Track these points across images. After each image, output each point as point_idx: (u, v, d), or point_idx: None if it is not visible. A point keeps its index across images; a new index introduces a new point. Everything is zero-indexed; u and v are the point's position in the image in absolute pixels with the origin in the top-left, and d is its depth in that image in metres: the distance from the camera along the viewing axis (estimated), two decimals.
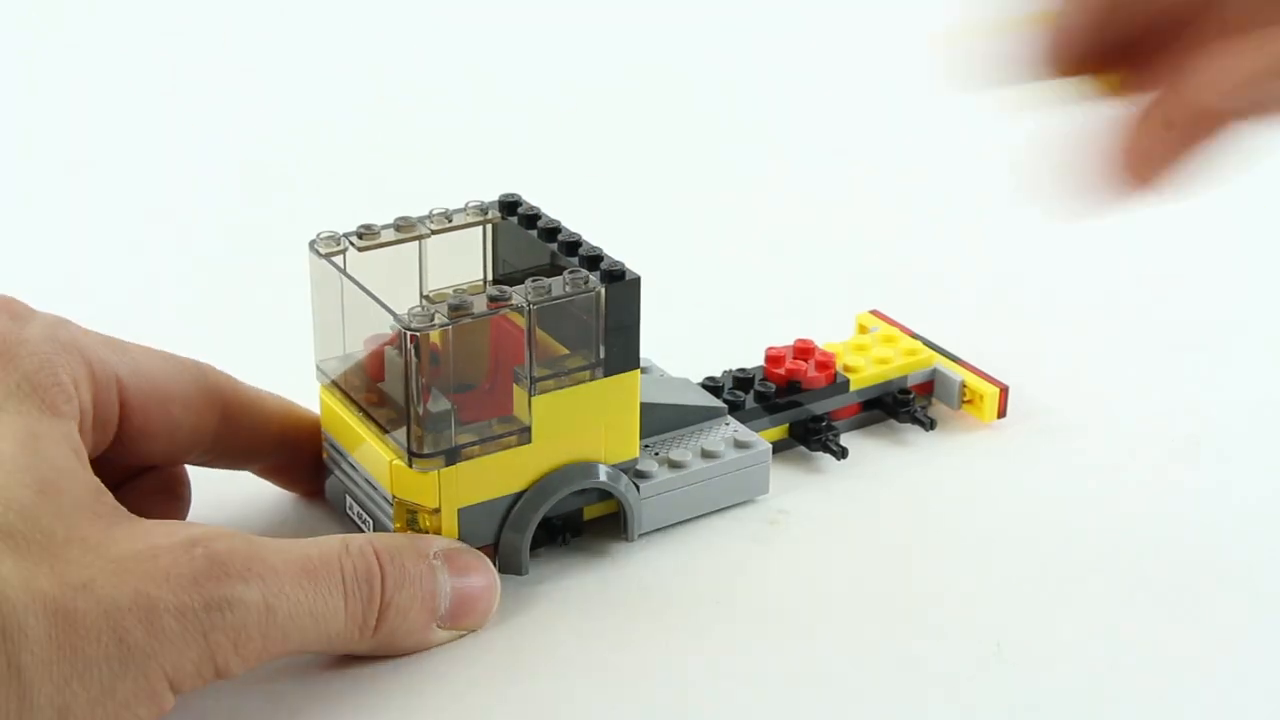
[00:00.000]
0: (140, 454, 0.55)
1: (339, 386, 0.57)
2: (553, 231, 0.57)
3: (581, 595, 0.55)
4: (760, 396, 0.64)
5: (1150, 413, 0.67)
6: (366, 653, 0.52)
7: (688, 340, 0.68)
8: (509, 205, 0.59)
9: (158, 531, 0.47)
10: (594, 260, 0.55)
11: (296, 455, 0.59)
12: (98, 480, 0.49)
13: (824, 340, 0.67)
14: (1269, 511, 0.61)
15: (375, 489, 0.55)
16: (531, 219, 0.58)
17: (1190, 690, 0.52)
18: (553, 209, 0.59)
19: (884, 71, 1.07)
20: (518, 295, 0.53)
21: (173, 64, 1.06)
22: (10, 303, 0.52)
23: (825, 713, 0.51)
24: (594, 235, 0.57)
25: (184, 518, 0.57)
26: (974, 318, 0.75)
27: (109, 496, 0.48)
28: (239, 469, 0.59)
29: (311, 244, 0.57)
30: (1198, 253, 0.83)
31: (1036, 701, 0.51)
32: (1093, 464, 0.64)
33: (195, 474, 0.58)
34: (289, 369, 0.61)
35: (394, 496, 0.54)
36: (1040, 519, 0.60)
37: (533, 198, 0.60)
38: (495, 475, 0.54)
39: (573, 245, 0.56)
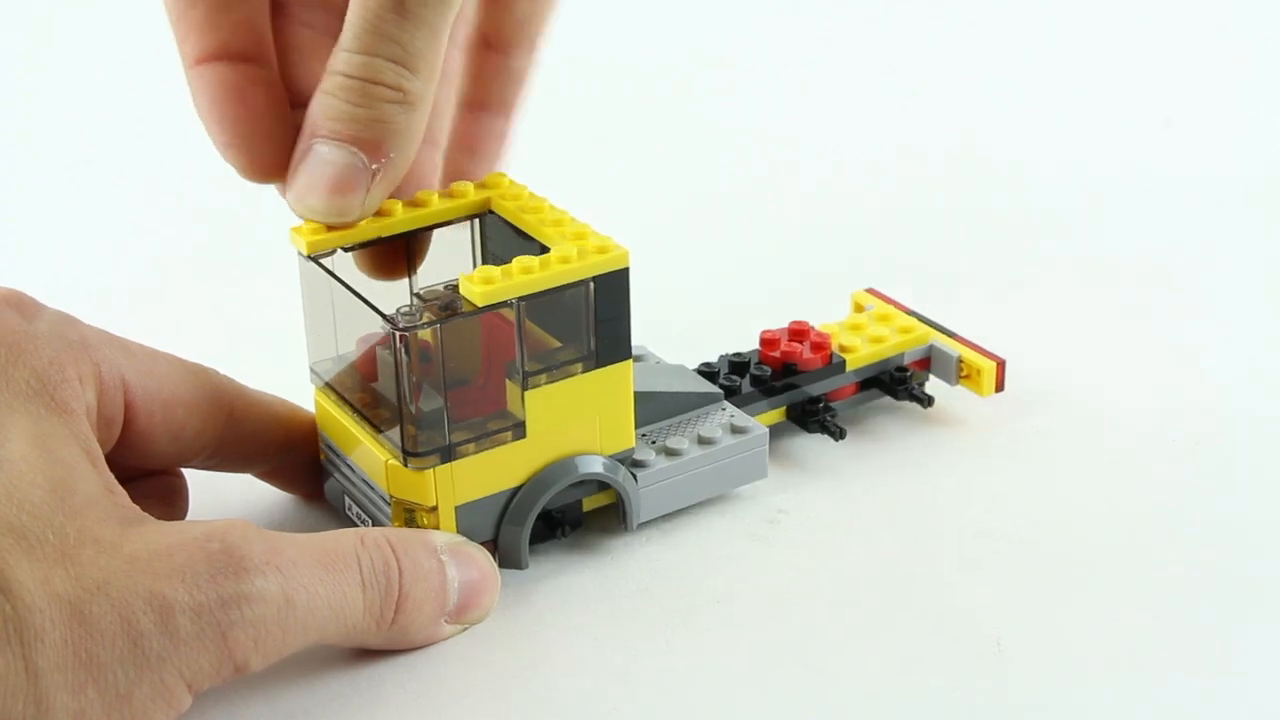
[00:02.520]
0: (143, 456, 0.55)
1: (333, 388, 0.57)
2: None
3: (581, 592, 0.56)
4: (756, 380, 0.63)
5: (1149, 411, 0.67)
6: (378, 646, 0.52)
7: (682, 326, 0.68)
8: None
9: (172, 530, 0.47)
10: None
11: (299, 458, 0.59)
12: (111, 477, 0.48)
13: (819, 321, 0.67)
14: (1269, 508, 0.61)
15: (373, 489, 0.55)
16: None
17: (1190, 688, 0.51)
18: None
19: (877, 53, 1.07)
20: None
21: (172, 62, 1.06)
22: (19, 297, 0.52)
23: (824, 711, 0.51)
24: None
25: None
26: (970, 298, 0.74)
27: (122, 495, 0.48)
28: (241, 472, 0.59)
29: None
30: (1197, 250, 0.83)
31: (1036, 701, 0.51)
32: (1091, 462, 0.63)
33: (193, 474, 0.58)
34: (284, 371, 0.61)
35: (391, 496, 0.54)
36: (1039, 519, 0.60)
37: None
38: (491, 471, 0.54)
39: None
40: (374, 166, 0.53)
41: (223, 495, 0.60)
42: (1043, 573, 0.57)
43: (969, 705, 0.51)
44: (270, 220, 0.82)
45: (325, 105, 0.52)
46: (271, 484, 0.61)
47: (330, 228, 0.55)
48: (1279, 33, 1.08)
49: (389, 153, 0.53)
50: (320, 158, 0.53)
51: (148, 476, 0.57)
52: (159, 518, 0.48)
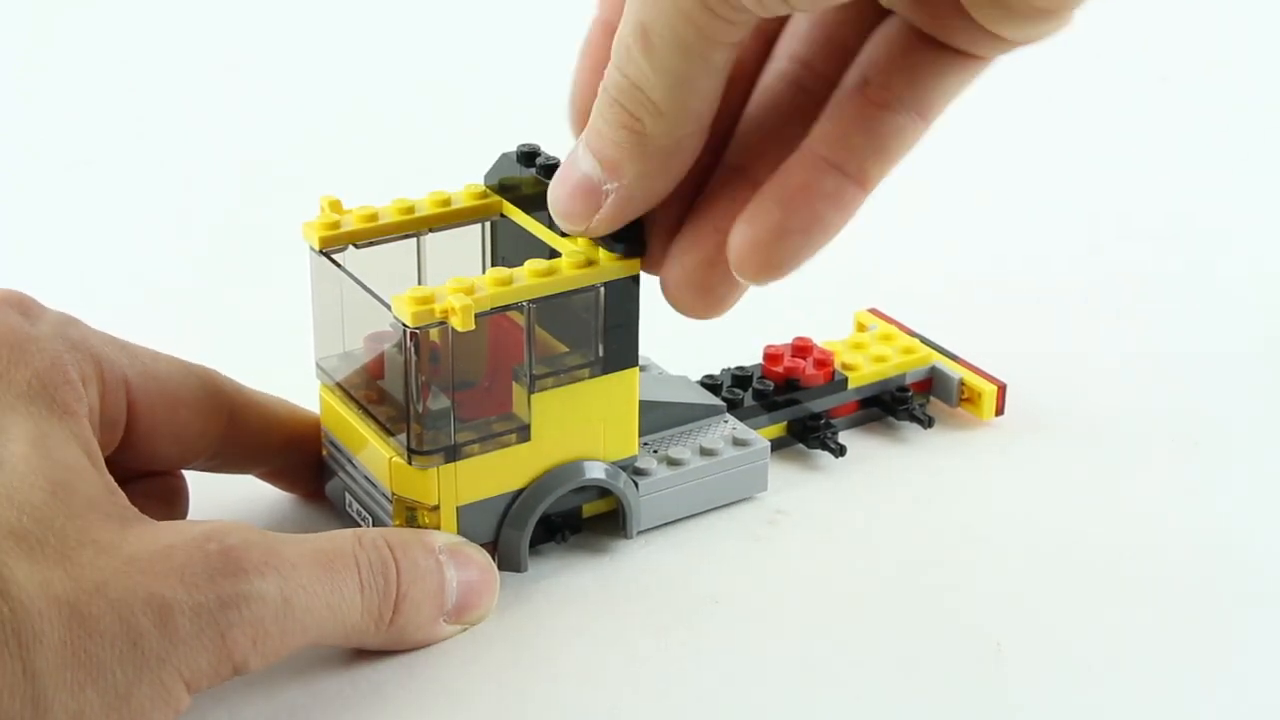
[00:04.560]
0: (146, 457, 0.55)
1: (339, 384, 0.57)
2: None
3: (580, 593, 0.56)
4: (759, 394, 0.64)
5: (1149, 412, 0.67)
6: (377, 646, 0.52)
7: (687, 338, 0.68)
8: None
9: (170, 530, 0.47)
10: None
11: (300, 459, 0.59)
12: (110, 479, 0.48)
13: (822, 338, 0.67)
14: (1268, 511, 0.61)
15: (375, 486, 0.55)
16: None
17: (1190, 690, 0.52)
18: None
19: None
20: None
21: (172, 62, 1.06)
22: (21, 299, 0.52)
23: (824, 712, 0.51)
24: None
25: None
26: (972, 316, 0.75)
27: (121, 496, 0.48)
28: (242, 473, 0.59)
29: None
30: (1197, 253, 0.83)
31: (1036, 701, 0.51)
32: (1091, 463, 0.64)
33: (193, 475, 0.58)
34: (289, 368, 0.61)
35: (393, 494, 0.54)
36: (1039, 518, 0.60)
37: None
38: (494, 473, 0.54)
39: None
40: (606, 187, 0.50)
41: (223, 495, 0.60)
42: (1042, 574, 0.57)
43: (969, 706, 0.51)
44: (270, 220, 0.83)
45: (595, 107, 0.50)
46: (272, 484, 0.60)
47: (342, 228, 0.55)
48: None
49: (622, 178, 0.50)
50: (575, 155, 0.51)
51: (148, 477, 0.56)
52: (159, 519, 0.48)
